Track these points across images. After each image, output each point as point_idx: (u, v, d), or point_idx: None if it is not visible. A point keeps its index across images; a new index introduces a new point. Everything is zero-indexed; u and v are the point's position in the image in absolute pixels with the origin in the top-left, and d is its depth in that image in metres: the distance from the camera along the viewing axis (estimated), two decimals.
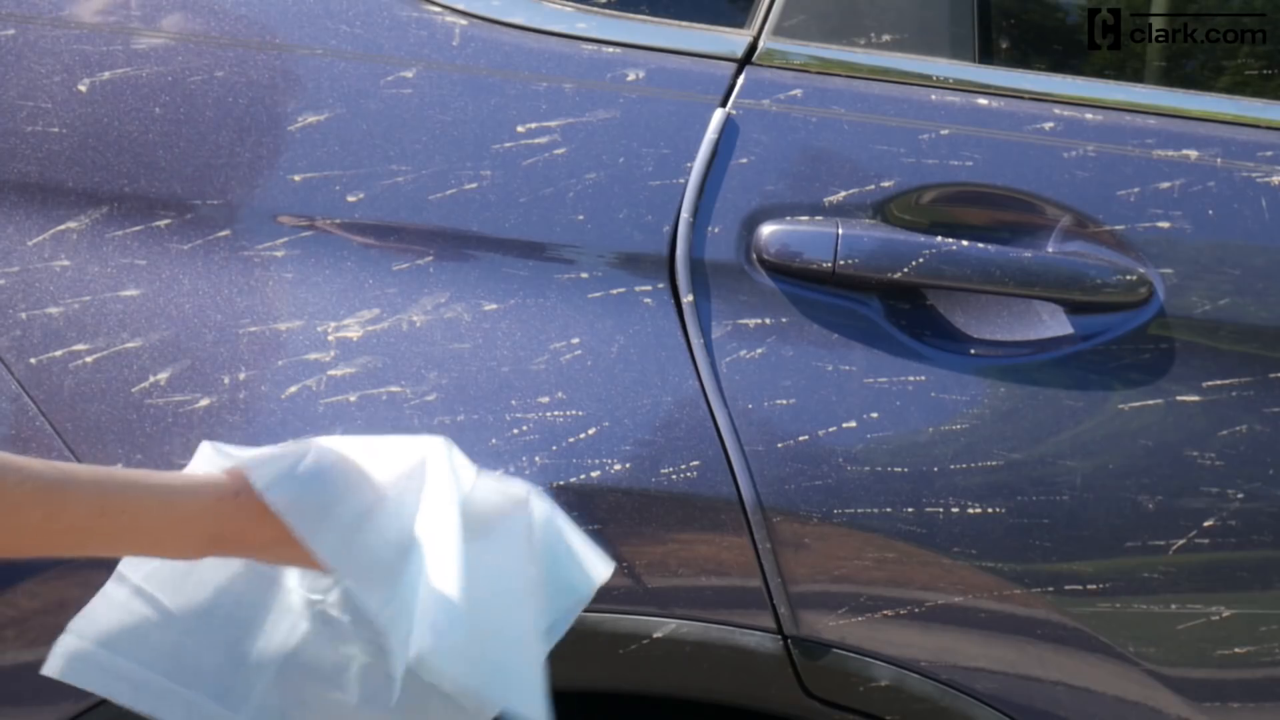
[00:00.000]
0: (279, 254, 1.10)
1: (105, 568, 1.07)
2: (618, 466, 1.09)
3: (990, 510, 1.11)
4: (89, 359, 1.08)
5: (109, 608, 1.01)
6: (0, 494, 0.88)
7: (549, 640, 1.02)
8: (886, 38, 1.19)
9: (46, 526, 0.90)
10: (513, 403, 1.09)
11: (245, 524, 0.96)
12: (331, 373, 1.09)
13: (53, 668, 0.99)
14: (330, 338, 1.09)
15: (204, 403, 1.08)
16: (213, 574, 1.02)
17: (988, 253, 1.12)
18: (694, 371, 1.10)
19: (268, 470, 0.95)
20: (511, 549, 1.01)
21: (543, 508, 1.04)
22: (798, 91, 1.15)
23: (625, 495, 1.09)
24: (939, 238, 1.12)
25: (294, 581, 1.03)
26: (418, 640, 0.92)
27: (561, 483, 1.08)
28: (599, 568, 1.05)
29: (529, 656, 0.99)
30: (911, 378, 1.12)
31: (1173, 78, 1.34)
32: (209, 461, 1.00)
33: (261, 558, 0.99)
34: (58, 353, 1.08)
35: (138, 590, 1.01)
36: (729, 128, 1.13)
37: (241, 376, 1.08)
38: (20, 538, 0.90)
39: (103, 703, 1.09)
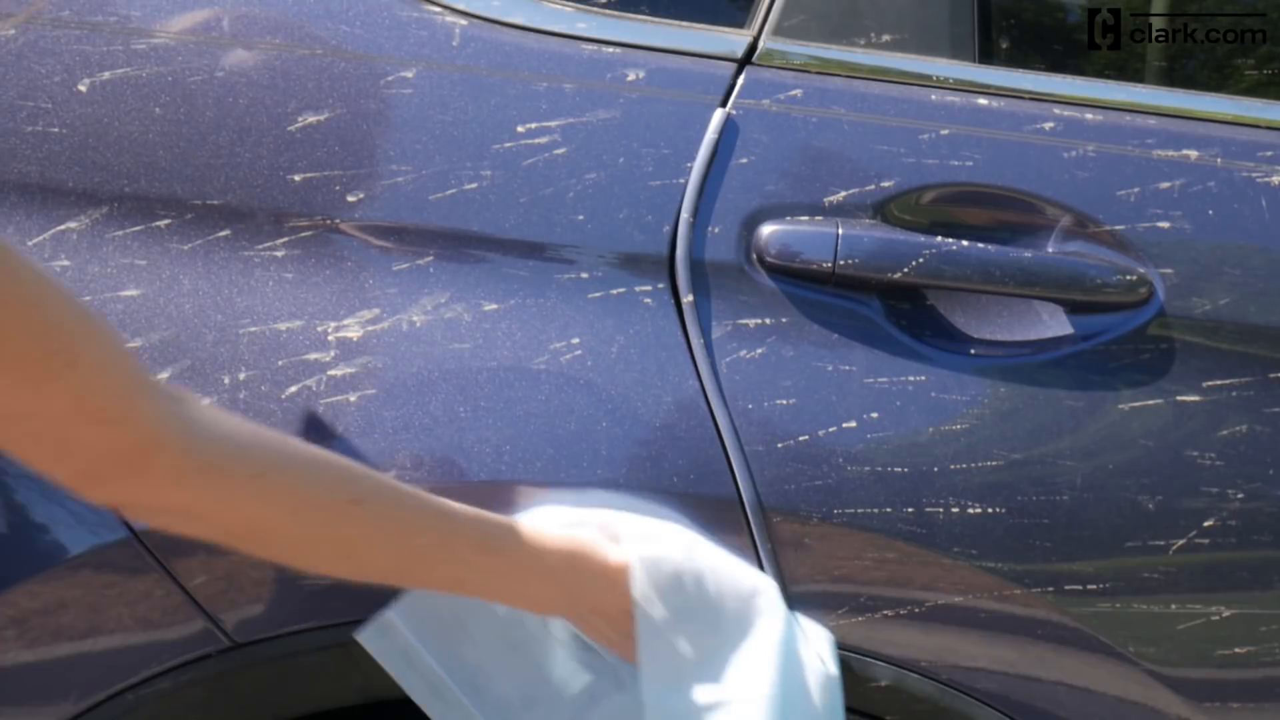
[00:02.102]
0: (279, 254, 1.10)
1: (101, 569, 1.08)
2: (618, 466, 1.09)
3: (990, 510, 1.11)
4: None
5: (431, 604, 1.04)
6: (400, 515, 0.92)
7: None
8: (886, 38, 1.19)
9: (434, 554, 0.95)
10: (513, 402, 1.09)
11: (604, 596, 1.00)
12: (331, 373, 1.09)
13: (365, 637, 1.04)
14: (330, 338, 1.09)
15: (204, 403, 1.07)
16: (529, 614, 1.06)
17: (988, 253, 1.12)
18: (694, 371, 1.10)
19: (648, 573, 1.00)
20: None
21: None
22: (798, 91, 1.15)
23: (625, 495, 1.09)
24: (939, 238, 1.12)
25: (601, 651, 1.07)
26: None
27: (562, 483, 1.08)
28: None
29: None
30: (911, 378, 1.12)
31: (1173, 78, 1.34)
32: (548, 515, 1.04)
33: (602, 636, 1.03)
34: None
35: (459, 598, 1.04)
36: (729, 128, 1.13)
37: (241, 376, 1.08)
38: (408, 561, 0.95)
39: (102, 703, 1.09)
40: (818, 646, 1.07)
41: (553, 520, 1.04)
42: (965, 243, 1.12)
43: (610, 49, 1.14)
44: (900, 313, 1.13)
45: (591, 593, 1.01)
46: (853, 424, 1.11)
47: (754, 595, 1.04)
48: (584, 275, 1.11)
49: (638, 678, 1.01)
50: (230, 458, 0.85)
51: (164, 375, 1.08)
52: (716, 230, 1.12)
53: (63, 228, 1.09)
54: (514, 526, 0.98)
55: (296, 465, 0.88)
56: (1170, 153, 1.16)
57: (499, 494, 1.08)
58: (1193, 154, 1.16)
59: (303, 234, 1.10)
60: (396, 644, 1.04)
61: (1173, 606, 1.13)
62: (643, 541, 1.02)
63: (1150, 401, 1.13)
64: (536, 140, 1.11)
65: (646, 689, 1.00)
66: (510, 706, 1.04)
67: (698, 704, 1.00)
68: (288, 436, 0.93)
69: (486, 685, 1.03)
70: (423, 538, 0.94)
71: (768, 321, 1.11)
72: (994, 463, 1.11)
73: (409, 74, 1.12)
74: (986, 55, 1.23)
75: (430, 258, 1.10)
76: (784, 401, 1.10)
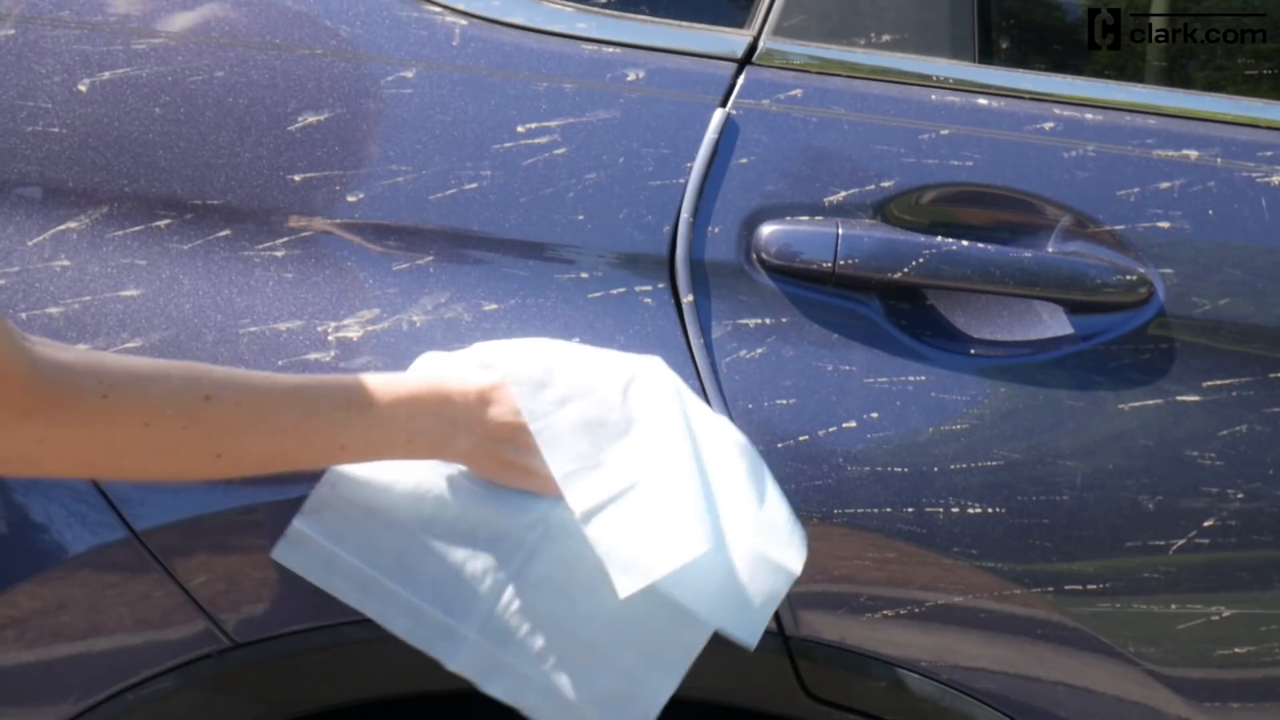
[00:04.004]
0: (279, 254, 1.10)
1: (101, 569, 1.08)
2: None
3: (990, 510, 1.11)
4: None
5: (337, 503, 1.02)
6: (255, 398, 0.92)
7: (778, 573, 1.04)
8: (886, 38, 1.19)
9: (302, 426, 0.94)
10: None
11: (486, 416, 1.00)
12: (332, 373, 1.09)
13: (280, 553, 1.02)
14: (330, 338, 1.09)
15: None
16: (431, 481, 1.04)
17: (988, 253, 1.12)
18: (694, 371, 1.10)
19: (522, 381, 1.01)
20: (736, 475, 1.04)
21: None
22: (798, 91, 1.15)
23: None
24: (939, 238, 1.12)
25: (517, 502, 1.04)
26: (660, 557, 0.97)
27: None
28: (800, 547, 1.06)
29: (758, 583, 1.02)
30: (911, 378, 1.12)
31: (1173, 78, 1.34)
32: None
33: (504, 464, 1.02)
34: None
35: (361, 488, 1.03)
36: (729, 128, 1.13)
37: None
38: (279, 440, 0.93)
39: (102, 703, 1.09)
40: (717, 420, 1.07)
41: (426, 366, 1.04)
42: (965, 243, 1.12)
43: (610, 49, 1.14)
44: (900, 313, 1.13)
45: (473, 417, 1.00)
46: (853, 424, 1.11)
47: (632, 380, 1.04)
48: (584, 275, 1.11)
49: (562, 500, 1.00)
50: (73, 384, 0.85)
51: None
52: (716, 230, 1.12)
53: (63, 228, 1.09)
54: (375, 377, 0.97)
55: (140, 378, 0.88)
56: (1170, 153, 1.16)
57: None
58: (1193, 154, 1.16)
59: (303, 234, 1.10)
60: (314, 553, 1.02)
61: (1173, 606, 1.13)
62: (507, 357, 1.02)
63: (1150, 401, 1.13)
64: (536, 140, 1.11)
65: (573, 499, 0.99)
66: (446, 582, 1.02)
67: (620, 496, 0.99)
68: (128, 356, 0.92)
69: (418, 568, 1.02)
70: (286, 413, 0.93)
71: (768, 321, 1.11)
72: (994, 463, 1.11)
73: (409, 74, 1.12)
74: (986, 55, 1.23)
75: (430, 258, 1.10)
76: (784, 401, 1.10)
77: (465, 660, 1.02)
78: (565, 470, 1.00)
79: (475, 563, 1.02)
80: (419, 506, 1.03)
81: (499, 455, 1.02)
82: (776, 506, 1.05)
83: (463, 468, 1.04)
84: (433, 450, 1.01)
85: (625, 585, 0.98)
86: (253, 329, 1.09)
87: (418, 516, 1.03)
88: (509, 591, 1.02)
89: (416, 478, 1.03)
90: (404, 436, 0.98)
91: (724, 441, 1.05)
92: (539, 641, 1.02)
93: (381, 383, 0.97)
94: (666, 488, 1.00)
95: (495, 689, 1.02)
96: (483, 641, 1.02)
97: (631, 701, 1.03)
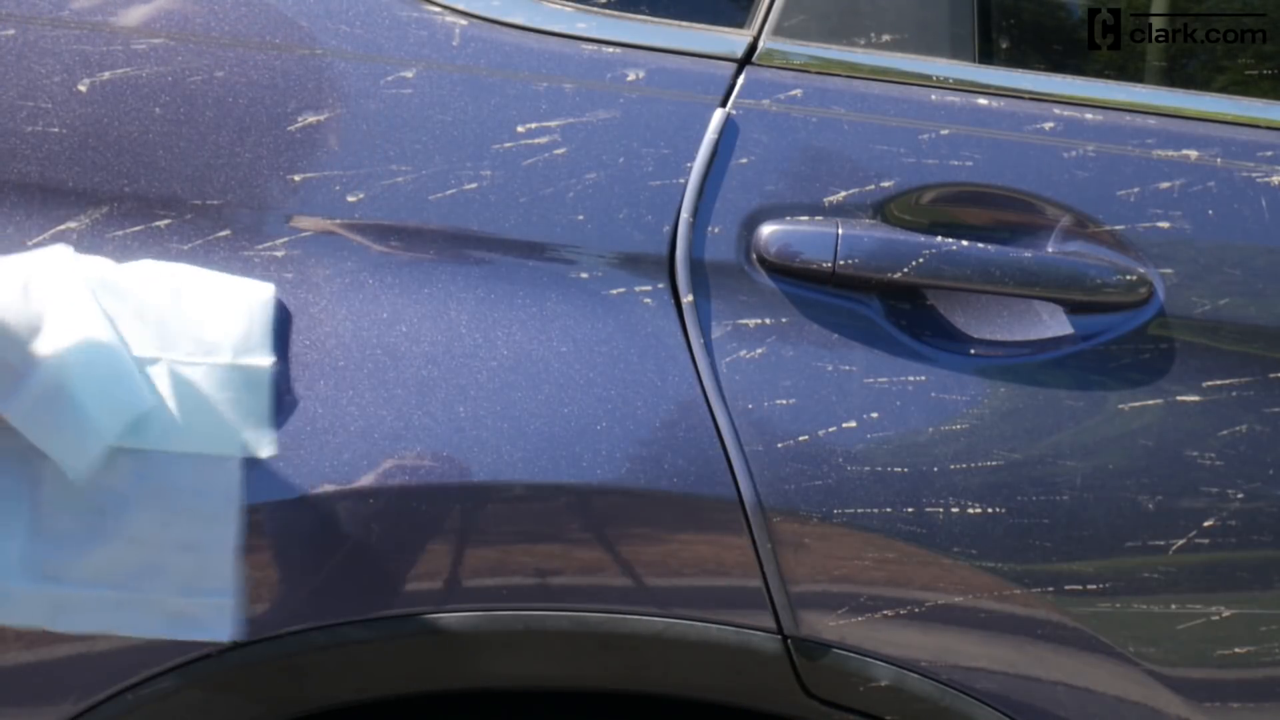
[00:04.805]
0: (279, 254, 1.10)
1: None
2: (618, 466, 1.09)
3: (990, 510, 1.11)
4: None
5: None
6: None
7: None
8: (886, 38, 1.19)
9: None
10: (513, 402, 1.09)
11: None
12: None
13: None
14: None
15: None
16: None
17: (988, 253, 1.12)
18: (694, 371, 1.10)
19: None
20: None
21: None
22: (798, 91, 1.15)
23: (625, 495, 1.09)
24: (939, 238, 1.12)
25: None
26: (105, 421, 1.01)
27: (562, 483, 1.08)
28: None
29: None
30: (911, 378, 1.12)
31: (1173, 78, 1.34)
32: None
33: None
34: None
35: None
36: (729, 128, 1.13)
37: None
38: None
39: (102, 703, 1.09)
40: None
41: None
42: (965, 243, 1.12)
43: (610, 49, 1.14)
44: (900, 313, 1.13)
45: None
46: (853, 424, 1.11)
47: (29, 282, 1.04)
48: (584, 275, 1.11)
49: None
50: None
51: None
52: (716, 230, 1.12)
53: (63, 228, 1.09)
54: None
55: None
56: (1170, 153, 1.16)
57: (501, 494, 1.08)
58: (1193, 154, 1.16)
59: (303, 234, 1.10)
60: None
61: (1173, 606, 1.13)
62: None
63: (1150, 401, 1.13)
64: (536, 140, 1.11)
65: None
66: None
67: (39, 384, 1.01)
68: None
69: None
70: None
71: (768, 321, 1.11)
72: (994, 463, 1.11)
73: (409, 74, 1.12)
74: (986, 55, 1.23)
75: (430, 258, 1.10)
76: (784, 401, 1.10)
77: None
78: None
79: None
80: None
81: None
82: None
83: None
84: None
85: (74, 468, 1.00)
86: None
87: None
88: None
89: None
90: None
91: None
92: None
93: None
94: (84, 358, 1.02)
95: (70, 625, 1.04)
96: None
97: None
